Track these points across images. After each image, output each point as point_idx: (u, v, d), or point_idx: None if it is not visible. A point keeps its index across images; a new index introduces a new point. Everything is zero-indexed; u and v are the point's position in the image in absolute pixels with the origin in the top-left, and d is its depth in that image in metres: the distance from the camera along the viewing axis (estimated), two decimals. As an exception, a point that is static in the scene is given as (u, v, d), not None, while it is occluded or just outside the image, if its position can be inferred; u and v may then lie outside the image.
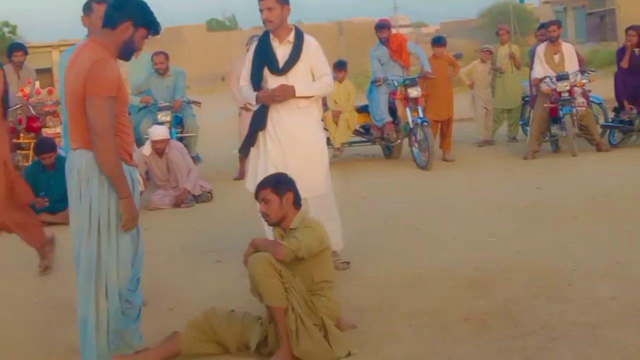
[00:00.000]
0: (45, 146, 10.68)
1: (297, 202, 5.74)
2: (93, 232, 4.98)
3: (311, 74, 7.14)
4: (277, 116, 7.09)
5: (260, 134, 7.20)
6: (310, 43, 7.16)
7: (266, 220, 5.73)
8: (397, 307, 6.23)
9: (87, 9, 6.81)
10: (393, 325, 5.84)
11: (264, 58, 7.16)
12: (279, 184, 5.71)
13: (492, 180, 11.31)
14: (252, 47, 7.33)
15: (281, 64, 7.09)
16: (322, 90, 7.24)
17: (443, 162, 13.15)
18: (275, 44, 7.13)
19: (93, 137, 4.89)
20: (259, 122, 7.18)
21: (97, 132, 4.88)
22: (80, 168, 5.00)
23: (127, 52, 5.15)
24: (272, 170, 6.76)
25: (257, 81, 7.18)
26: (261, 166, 7.11)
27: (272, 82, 7.12)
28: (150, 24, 5.17)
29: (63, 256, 8.62)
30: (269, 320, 5.43)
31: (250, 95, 7.25)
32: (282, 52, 7.11)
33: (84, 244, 5.01)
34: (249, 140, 7.31)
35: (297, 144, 7.08)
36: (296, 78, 7.07)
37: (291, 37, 7.11)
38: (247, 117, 12.52)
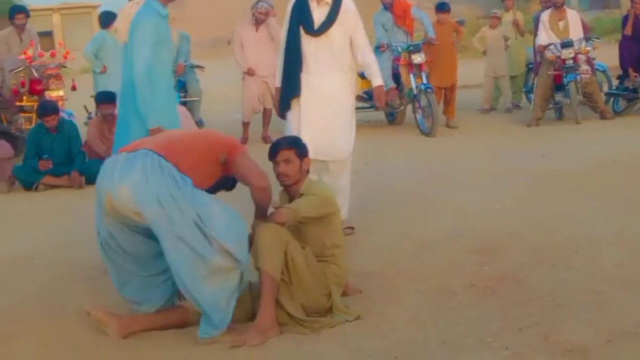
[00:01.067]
0: (48, 109, 10.66)
1: (308, 169, 5.78)
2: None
3: (347, 38, 7.10)
4: (308, 79, 7.08)
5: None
6: (347, 6, 7.11)
7: (283, 180, 5.63)
8: (402, 272, 6.24)
9: None
10: (398, 290, 5.85)
11: (300, 17, 7.09)
12: (302, 148, 5.72)
13: (496, 148, 11.26)
14: (290, 6, 7.23)
15: (317, 25, 7.05)
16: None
17: (446, 129, 13.12)
18: (312, 4, 7.07)
19: (255, 190, 5.35)
20: (293, 89, 7.15)
21: (259, 186, 5.33)
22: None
23: None
24: (307, 131, 6.91)
25: (293, 41, 7.13)
26: (295, 127, 7.12)
27: (306, 43, 7.08)
28: None
29: (65, 217, 8.68)
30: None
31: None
32: (318, 13, 7.07)
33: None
34: (284, 106, 7.28)
35: (326, 104, 7.09)
36: (331, 40, 7.05)
37: None
38: (251, 81, 12.58)
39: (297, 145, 5.71)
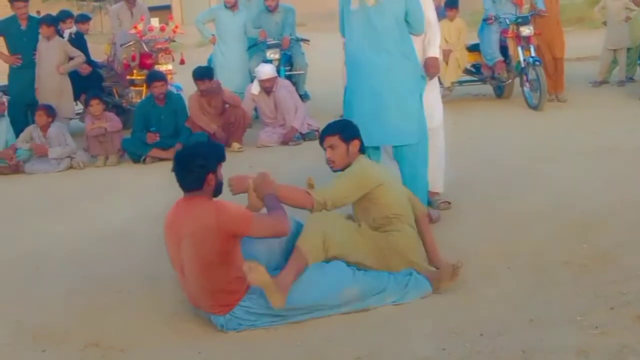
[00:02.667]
0: (156, 75, 11.04)
1: (362, 149, 5.76)
2: None
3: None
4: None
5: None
6: None
7: (331, 166, 5.70)
8: (497, 248, 6.19)
9: None
10: (491, 266, 5.81)
11: None
12: (346, 131, 5.70)
13: (604, 122, 10.98)
14: None
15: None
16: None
17: (555, 103, 12.81)
18: None
19: (280, 236, 5.27)
20: None
21: (278, 234, 5.20)
22: None
23: (219, 189, 5.32)
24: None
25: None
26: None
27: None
28: (222, 159, 5.39)
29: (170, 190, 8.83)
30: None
31: None
32: None
33: None
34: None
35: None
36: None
37: None
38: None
39: (341, 130, 5.70)
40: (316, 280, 5.18)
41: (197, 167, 5.18)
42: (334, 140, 5.66)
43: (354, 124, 5.92)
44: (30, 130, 10.95)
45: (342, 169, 5.66)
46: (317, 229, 5.29)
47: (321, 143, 5.77)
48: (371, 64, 6.64)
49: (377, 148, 6.75)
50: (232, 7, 13.00)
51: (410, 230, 5.64)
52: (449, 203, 7.29)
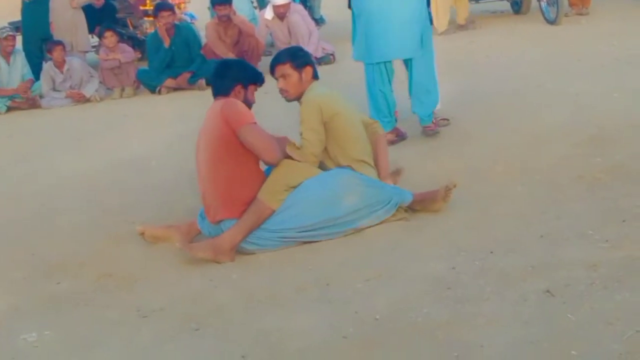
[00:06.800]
0: (163, 5, 11.00)
1: (315, 75, 5.59)
2: None
3: None
4: None
5: None
6: None
7: (285, 97, 5.53)
8: (511, 166, 6.14)
9: None
10: (504, 185, 5.78)
11: None
12: (297, 58, 5.51)
13: (624, 33, 10.66)
14: None
15: None
16: None
17: (572, 17, 12.46)
18: None
19: (264, 159, 5.23)
20: None
21: (265, 152, 5.18)
22: None
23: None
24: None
25: None
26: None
27: None
28: (255, 79, 5.45)
29: (185, 119, 8.81)
30: None
31: None
32: None
33: None
34: None
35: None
36: None
37: None
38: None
39: (291, 58, 5.50)
40: (313, 194, 5.18)
41: (230, 75, 5.36)
42: (285, 68, 5.44)
43: (305, 50, 5.84)
44: (48, 70, 10.85)
45: (297, 99, 5.51)
46: (278, 180, 5.22)
47: (272, 73, 5.55)
48: None
49: (390, 63, 6.95)
50: None
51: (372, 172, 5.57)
52: (448, 120, 7.31)
